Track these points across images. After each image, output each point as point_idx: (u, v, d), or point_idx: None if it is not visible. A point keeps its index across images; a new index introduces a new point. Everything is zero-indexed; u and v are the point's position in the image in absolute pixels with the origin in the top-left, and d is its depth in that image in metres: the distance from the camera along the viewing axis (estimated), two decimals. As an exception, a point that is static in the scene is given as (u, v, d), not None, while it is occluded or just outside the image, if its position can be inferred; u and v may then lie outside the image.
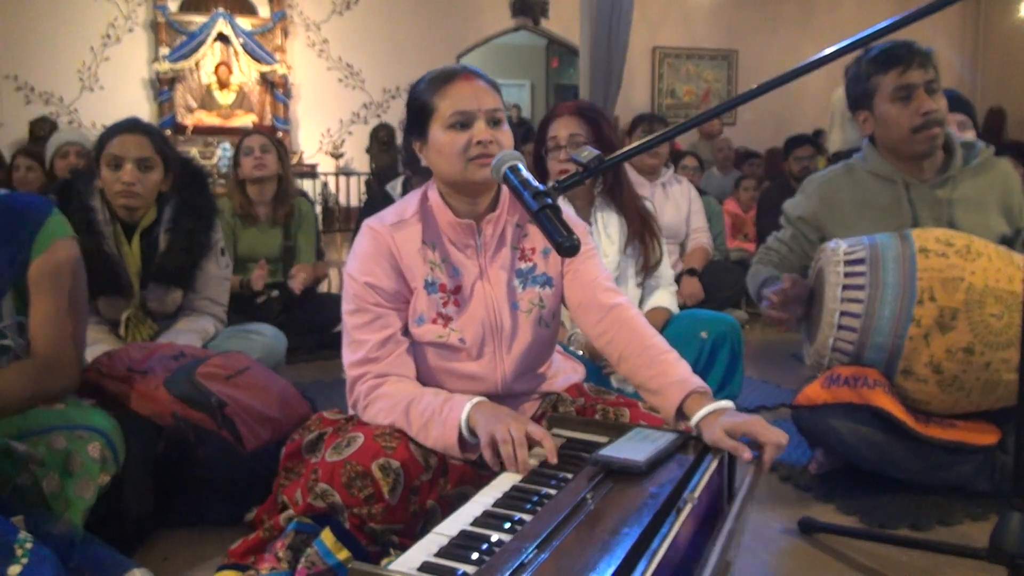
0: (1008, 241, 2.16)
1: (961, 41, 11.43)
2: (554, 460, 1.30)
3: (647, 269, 2.46)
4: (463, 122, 1.49)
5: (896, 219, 2.17)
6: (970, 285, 1.86)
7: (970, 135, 2.95)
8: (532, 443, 1.32)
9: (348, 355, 1.55)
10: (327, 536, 1.39)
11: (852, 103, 2.26)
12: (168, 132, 8.24)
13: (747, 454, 1.29)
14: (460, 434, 1.40)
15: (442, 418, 1.41)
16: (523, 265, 1.62)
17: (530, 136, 8.49)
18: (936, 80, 2.14)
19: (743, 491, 1.21)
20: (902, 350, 1.89)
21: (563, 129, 2.35)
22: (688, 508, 1.10)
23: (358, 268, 1.55)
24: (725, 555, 1.04)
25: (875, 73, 2.16)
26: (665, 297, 2.52)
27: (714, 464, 1.29)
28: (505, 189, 1.60)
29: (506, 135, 1.52)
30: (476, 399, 1.43)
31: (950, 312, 1.85)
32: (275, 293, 3.51)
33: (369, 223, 1.58)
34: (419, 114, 1.55)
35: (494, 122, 1.51)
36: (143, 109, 8.80)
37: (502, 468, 1.29)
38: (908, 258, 1.91)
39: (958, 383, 1.88)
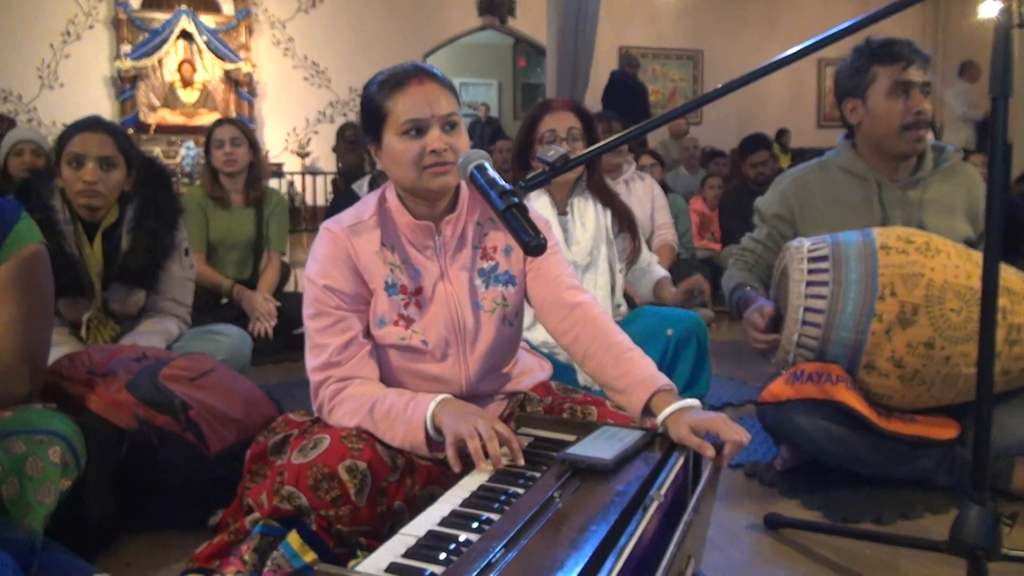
0: (972, 244, 2.20)
1: (921, 42, 11.52)
2: (520, 461, 1.30)
3: (632, 260, 2.59)
4: (417, 128, 1.46)
5: (867, 217, 2.21)
6: (930, 281, 1.89)
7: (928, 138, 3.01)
8: (500, 442, 1.31)
9: (310, 360, 1.54)
10: (293, 538, 1.37)
11: (842, 91, 2.27)
12: (131, 131, 8.12)
13: (711, 451, 1.30)
14: (427, 432, 1.40)
15: (407, 417, 1.41)
16: (485, 264, 1.61)
17: (499, 135, 8.47)
18: (930, 85, 2.18)
19: (701, 485, 1.22)
20: (864, 345, 1.92)
21: (561, 122, 2.41)
22: (655, 505, 1.11)
23: (317, 271, 1.54)
24: (682, 548, 1.05)
25: (876, 64, 2.17)
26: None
27: (680, 461, 1.30)
28: (464, 189, 1.59)
29: (462, 139, 1.49)
30: (441, 396, 1.43)
31: (911, 307, 1.88)
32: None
33: (327, 225, 1.57)
34: (373, 118, 1.52)
35: (450, 126, 1.48)
36: (104, 107, 8.68)
37: (464, 470, 1.28)
38: (870, 255, 1.94)
39: (919, 377, 1.92)
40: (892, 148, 2.20)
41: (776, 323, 2.13)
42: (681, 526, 1.07)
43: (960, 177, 2.27)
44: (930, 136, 3.39)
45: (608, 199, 2.53)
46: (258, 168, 3.58)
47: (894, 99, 2.16)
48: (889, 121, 2.17)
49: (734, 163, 7.78)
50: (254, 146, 3.56)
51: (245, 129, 3.58)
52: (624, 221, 2.55)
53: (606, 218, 2.51)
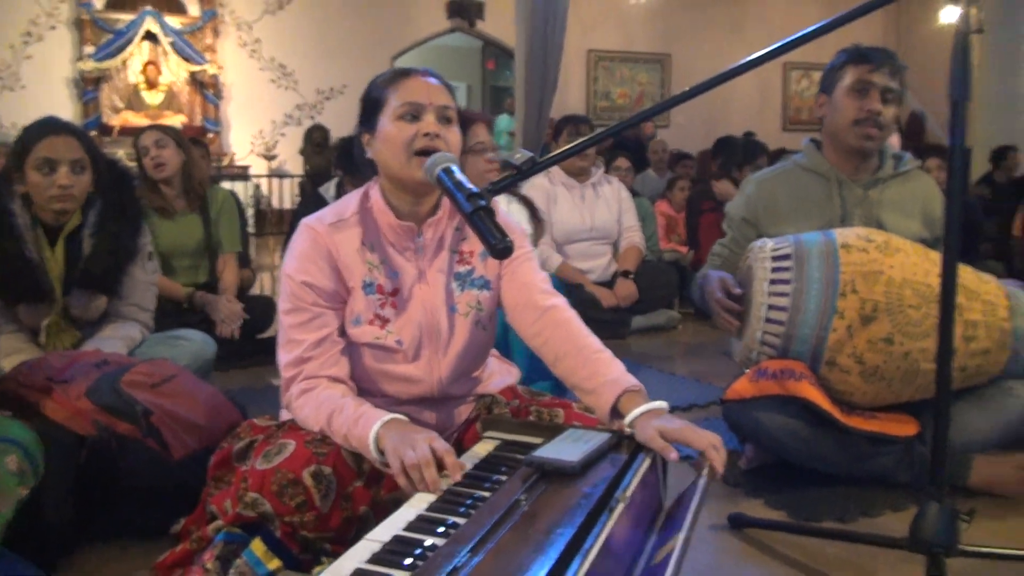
0: (927, 246, 2.25)
1: (883, 47, 11.79)
2: (457, 478, 1.27)
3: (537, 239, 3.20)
4: (413, 113, 1.50)
5: (827, 214, 2.28)
6: (889, 278, 1.93)
7: (895, 140, 3.10)
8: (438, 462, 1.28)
9: (283, 355, 1.53)
10: (257, 546, 1.36)
11: (821, 86, 2.39)
12: (93, 133, 8.00)
13: (673, 455, 1.31)
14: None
15: (357, 434, 1.38)
16: (461, 268, 1.62)
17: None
18: (896, 92, 2.26)
19: (696, 500, 1.22)
20: (827, 341, 1.95)
21: (485, 135, 2.69)
22: (620, 507, 1.11)
23: (295, 267, 1.53)
24: (681, 563, 1.05)
25: (848, 63, 2.28)
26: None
27: (647, 463, 1.30)
28: None
29: (454, 135, 1.53)
30: (386, 418, 1.38)
31: (871, 304, 1.92)
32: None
33: (307, 222, 1.57)
34: (371, 106, 1.56)
35: (444, 119, 1.52)
36: (67, 109, 8.54)
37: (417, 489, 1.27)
38: (831, 253, 1.98)
39: (879, 373, 1.95)
40: (844, 141, 2.29)
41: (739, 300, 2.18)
42: (680, 544, 1.07)
43: (917, 183, 2.37)
44: (895, 141, 3.45)
45: (512, 192, 3.28)
46: (193, 167, 3.44)
47: (853, 95, 2.25)
48: (844, 115, 2.27)
49: (701, 165, 7.85)
50: (183, 146, 3.42)
51: (169, 131, 3.44)
52: (528, 208, 3.33)
53: (509, 207, 3.21)
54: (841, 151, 2.32)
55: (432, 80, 1.54)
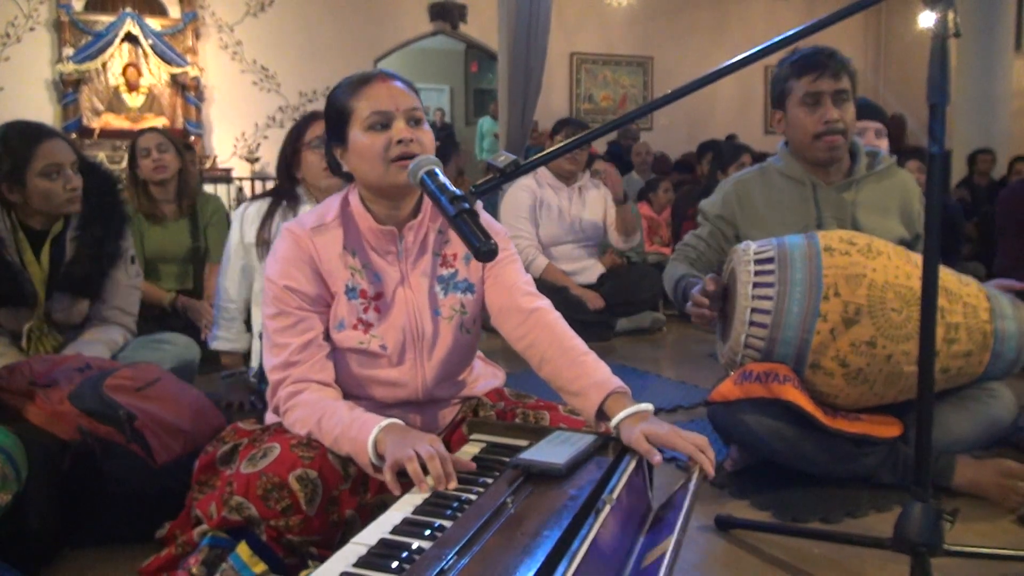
0: (907, 244, 2.27)
1: (864, 51, 11.90)
2: (472, 467, 1.30)
3: None
4: (382, 122, 1.49)
5: (802, 218, 2.28)
6: (872, 281, 1.94)
7: (884, 143, 3.11)
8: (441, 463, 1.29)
9: (270, 359, 1.53)
10: (243, 550, 1.35)
11: (772, 101, 2.38)
12: (74, 136, 7.94)
13: (657, 458, 1.32)
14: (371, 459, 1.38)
15: (352, 436, 1.38)
16: (445, 271, 1.61)
17: (453, 140, 8.44)
18: (847, 91, 2.25)
19: (687, 502, 1.22)
20: (810, 344, 1.96)
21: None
22: (607, 509, 1.11)
23: (278, 271, 1.52)
24: (673, 566, 1.06)
25: (791, 76, 2.27)
26: None
27: (632, 464, 1.31)
28: None
29: (427, 135, 1.52)
30: (385, 422, 1.38)
31: (854, 307, 1.93)
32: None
33: (289, 227, 1.56)
34: (338, 119, 1.54)
35: (414, 121, 1.51)
36: (47, 112, 8.45)
37: (406, 489, 1.27)
38: (814, 256, 1.99)
39: (862, 376, 1.96)
40: (810, 155, 2.29)
41: (724, 296, 2.17)
42: (672, 547, 1.07)
43: (893, 180, 2.36)
44: (885, 142, 3.48)
45: None
46: (187, 175, 3.49)
47: (806, 110, 2.25)
48: (803, 130, 2.26)
49: (683, 168, 7.86)
50: (181, 153, 3.48)
51: (170, 136, 3.51)
52: None
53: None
54: (810, 161, 2.32)
55: (395, 83, 1.52)
